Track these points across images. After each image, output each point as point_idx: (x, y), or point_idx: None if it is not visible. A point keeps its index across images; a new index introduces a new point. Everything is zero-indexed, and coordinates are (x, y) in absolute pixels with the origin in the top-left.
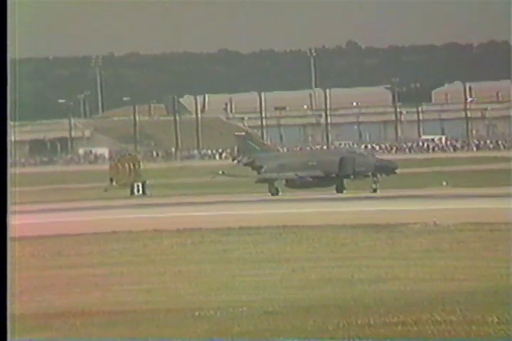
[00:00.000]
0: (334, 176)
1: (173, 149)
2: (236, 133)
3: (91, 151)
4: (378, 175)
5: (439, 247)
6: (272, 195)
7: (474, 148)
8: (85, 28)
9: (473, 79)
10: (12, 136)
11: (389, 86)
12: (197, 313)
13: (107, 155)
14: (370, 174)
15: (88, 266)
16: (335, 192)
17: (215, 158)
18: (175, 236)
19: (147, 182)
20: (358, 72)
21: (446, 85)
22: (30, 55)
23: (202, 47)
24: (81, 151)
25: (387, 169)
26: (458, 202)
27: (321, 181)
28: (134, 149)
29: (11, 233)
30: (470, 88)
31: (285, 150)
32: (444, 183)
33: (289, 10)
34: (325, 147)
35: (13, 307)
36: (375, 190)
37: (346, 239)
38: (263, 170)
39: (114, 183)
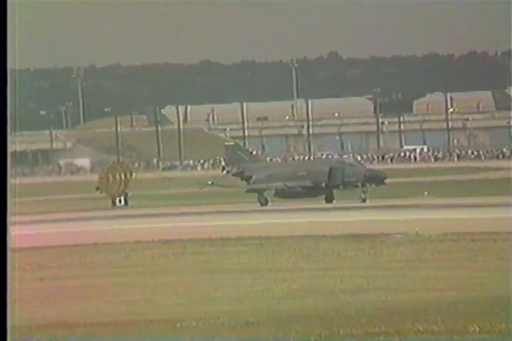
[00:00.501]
0: (324, 186)
1: (155, 160)
2: (226, 144)
3: (72, 162)
4: (368, 185)
5: (421, 257)
6: (261, 205)
7: (456, 158)
8: (66, 40)
9: (455, 89)
10: None
11: (371, 96)
12: (178, 324)
13: (88, 167)
14: (359, 184)
15: (69, 277)
16: (324, 202)
17: (197, 168)
18: (156, 248)
19: (132, 193)
20: (340, 82)
21: (427, 96)
22: (12, 66)
23: (183, 58)
24: (62, 162)
25: (376, 179)
26: (440, 212)
27: (310, 191)
28: (117, 160)
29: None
30: (451, 98)
31: (269, 160)
32: (426, 193)
33: (270, 21)
34: (312, 157)
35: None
36: (364, 200)
37: (328, 250)
38: (252, 180)
39: (102, 193)
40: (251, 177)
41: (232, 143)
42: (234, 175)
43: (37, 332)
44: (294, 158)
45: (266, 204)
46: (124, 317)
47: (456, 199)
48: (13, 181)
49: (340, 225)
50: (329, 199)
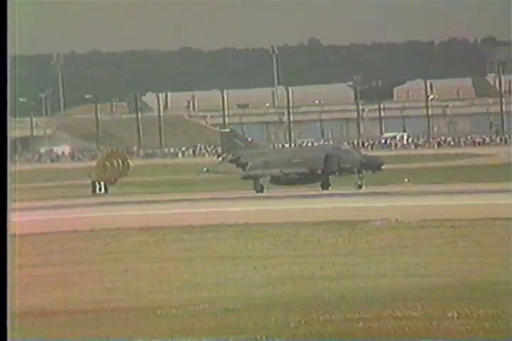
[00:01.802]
0: (320, 173)
1: (135, 147)
2: (221, 130)
3: (52, 150)
4: (364, 172)
5: (401, 244)
6: (257, 191)
7: (436, 145)
8: (46, 27)
9: (435, 76)
10: None
11: (351, 83)
12: (159, 311)
13: (68, 154)
14: (355, 170)
15: (49, 265)
16: (320, 188)
17: (177, 156)
18: (137, 235)
19: (125, 179)
20: (320, 69)
21: (407, 83)
22: None
23: (163, 45)
24: (42, 150)
25: (373, 165)
26: (419, 198)
27: (306, 178)
28: (97, 147)
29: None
30: (431, 85)
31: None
32: (406, 180)
33: (250, 7)
34: (294, 145)
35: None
36: (360, 187)
37: (308, 236)
38: (248, 167)
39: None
40: (246, 163)
41: (227, 130)
42: (229, 161)
43: (15, 320)
44: (274, 146)
45: (261, 191)
46: (104, 304)
47: (436, 186)
48: None
49: (320, 212)
50: (325, 185)
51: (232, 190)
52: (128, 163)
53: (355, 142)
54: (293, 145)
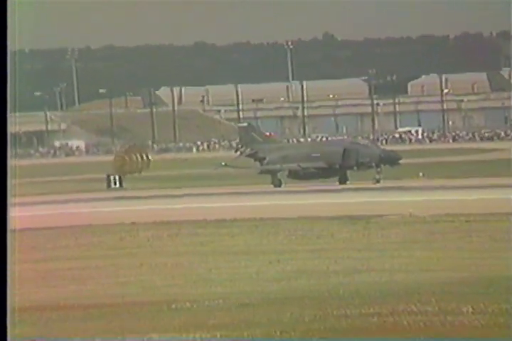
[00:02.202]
0: (337, 167)
1: (150, 142)
2: (239, 125)
3: (67, 144)
4: (382, 166)
5: (415, 238)
6: (275, 186)
7: (450, 140)
8: (61, 21)
9: (450, 71)
10: None
11: (365, 78)
12: (173, 306)
13: (83, 148)
14: (373, 165)
15: (64, 259)
16: (337, 183)
17: (192, 150)
18: (151, 229)
19: (145, 174)
20: (335, 64)
21: (422, 77)
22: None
23: (178, 39)
24: (57, 144)
25: (391, 160)
26: (434, 193)
27: (324, 172)
28: (111, 142)
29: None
30: (446, 80)
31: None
32: (421, 174)
33: (264, 2)
34: (329, 138)
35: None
36: (378, 181)
37: (322, 231)
38: (266, 161)
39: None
40: (264, 158)
41: (245, 124)
42: (247, 156)
43: (31, 314)
44: (314, 140)
45: (279, 185)
46: (118, 298)
47: (451, 181)
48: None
49: (335, 207)
50: (343, 180)
51: (250, 184)
52: (148, 158)
53: (370, 137)
54: (309, 139)
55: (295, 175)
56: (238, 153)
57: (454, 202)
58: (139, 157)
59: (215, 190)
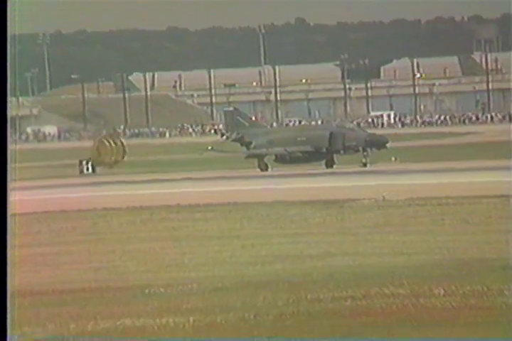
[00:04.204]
0: (324, 151)
1: (122, 127)
2: (225, 109)
3: (39, 129)
4: (369, 150)
5: (388, 222)
6: (261, 170)
7: (422, 124)
8: (31, 5)
9: (421, 55)
10: None
11: (338, 62)
12: (147, 291)
13: (56, 134)
14: (360, 149)
15: (37, 245)
16: (324, 167)
17: (165, 135)
18: (124, 215)
19: (128, 159)
20: (307, 48)
21: (394, 61)
22: None
23: (150, 24)
24: (29, 130)
25: (377, 143)
26: (407, 177)
27: (310, 156)
28: (84, 127)
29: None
30: (418, 64)
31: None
32: (393, 159)
33: None
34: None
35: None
36: (365, 165)
37: (296, 216)
38: (252, 145)
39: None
40: (251, 142)
41: (231, 109)
42: (233, 140)
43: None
44: (300, 123)
45: (266, 169)
46: (92, 284)
47: (423, 165)
48: None
49: (308, 191)
50: (330, 164)
51: (236, 168)
52: (123, 145)
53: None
54: (291, 124)
55: (282, 160)
56: (224, 137)
57: (426, 186)
58: (119, 143)
59: (191, 175)
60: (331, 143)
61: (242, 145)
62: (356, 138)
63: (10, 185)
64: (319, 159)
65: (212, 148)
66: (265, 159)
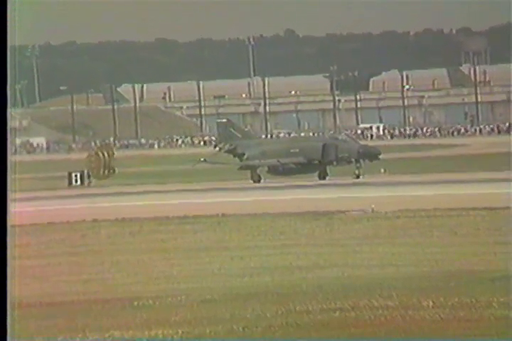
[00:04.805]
0: (317, 163)
1: (112, 139)
2: (218, 121)
3: (28, 141)
4: (361, 161)
5: (377, 234)
6: (254, 182)
7: (411, 136)
8: (21, 18)
9: (410, 67)
10: None
11: (327, 74)
12: (135, 303)
13: (44, 145)
14: (353, 160)
15: (25, 257)
16: (317, 178)
17: (154, 147)
18: (113, 226)
19: (120, 170)
20: (296, 60)
21: (383, 73)
22: None
23: (139, 36)
24: (18, 141)
25: (370, 155)
26: (395, 189)
27: (303, 168)
28: (73, 139)
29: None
30: (407, 76)
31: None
32: (382, 170)
33: None
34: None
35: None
36: (358, 176)
37: (285, 227)
38: (245, 157)
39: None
40: (243, 154)
41: (224, 120)
42: (226, 152)
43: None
44: (293, 135)
45: (259, 181)
46: (80, 296)
47: (412, 177)
48: None
49: (297, 202)
50: (322, 175)
51: (229, 180)
52: (113, 155)
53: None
54: (286, 135)
55: (275, 171)
56: (217, 148)
57: (415, 198)
58: (111, 155)
59: (182, 186)
60: (324, 155)
61: (234, 156)
62: (349, 150)
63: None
64: (312, 170)
65: (204, 160)
66: (258, 170)
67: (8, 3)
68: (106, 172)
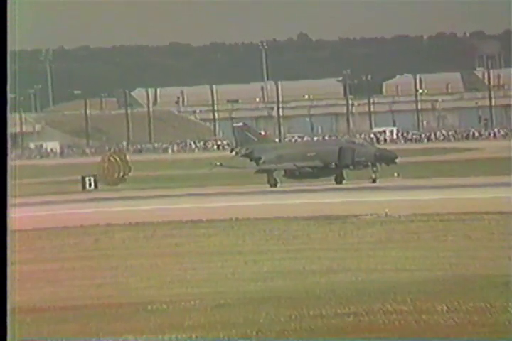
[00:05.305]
0: (333, 166)
1: (125, 143)
2: (234, 125)
3: (42, 145)
4: (378, 165)
5: (391, 238)
6: (271, 186)
7: (425, 140)
8: (35, 22)
9: (424, 71)
10: None
11: (340, 78)
12: (149, 307)
13: (58, 150)
14: (369, 164)
15: (40, 261)
16: (333, 182)
17: (167, 151)
18: (127, 230)
19: (134, 174)
20: (310, 64)
21: (397, 77)
22: None
23: (153, 40)
24: (32, 145)
25: (386, 159)
26: (409, 193)
27: (320, 171)
28: (86, 143)
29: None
30: (420, 80)
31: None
32: (396, 175)
33: (239, 2)
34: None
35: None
36: (374, 180)
37: (298, 231)
38: (262, 161)
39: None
40: (260, 158)
41: (240, 124)
42: (243, 155)
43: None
44: (309, 139)
45: (275, 184)
46: (94, 300)
47: (426, 181)
48: None
49: (310, 207)
50: (339, 179)
51: (245, 184)
52: (127, 163)
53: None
54: (299, 139)
55: (291, 175)
56: (234, 153)
57: (428, 202)
58: (124, 160)
59: (198, 190)
60: (341, 159)
61: (251, 160)
62: (365, 154)
63: (12, 201)
64: (328, 174)
65: (221, 164)
66: (274, 174)
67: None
68: (120, 176)
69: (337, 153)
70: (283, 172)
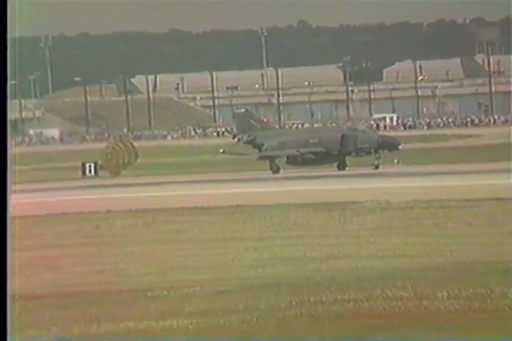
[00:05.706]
0: (336, 153)
1: (125, 130)
2: (236, 111)
3: (41, 132)
4: (380, 152)
5: (391, 224)
6: (273, 172)
7: (425, 126)
8: (34, 9)
9: (424, 57)
10: None
11: (340, 65)
12: (149, 293)
13: (58, 136)
14: (372, 151)
15: (40, 247)
16: (336, 169)
17: (167, 138)
18: (127, 217)
19: (140, 161)
20: (310, 51)
21: (396, 64)
22: None
23: (152, 27)
24: (31, 132)
25: (389, 145)
26: (409, 179)
27: (322, 158)
28: (86, 130)
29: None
30: (420, 66)
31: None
32: (396, 161)
33: None
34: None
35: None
36: (377, 167)
37: (298, 218)
38: (264, 147)
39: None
40: (262, 144)
41: (243, 111)
42: (245, 142)
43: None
44: (312, 125)
45: (278, 171)
46: (94, 287)
47: (425, 167)
48: None
49: (311, 194)
50: (342, 166)
51: (248, 170)
52: (134, 150)
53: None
54: (300, 126)
55: (293, 161)
56: (236, 139)
57: (428, 189)
58: (130, 147)
59: (193, 177)
60: (343, 145)
61: (254, 147)
62: (368, 140)
63: (12, 187)
64: (331, 161)
65: (224, 151)
66: (277, 161)
67: None
68: (126, 162)
69: (339, 140)
70: (285, 159)
